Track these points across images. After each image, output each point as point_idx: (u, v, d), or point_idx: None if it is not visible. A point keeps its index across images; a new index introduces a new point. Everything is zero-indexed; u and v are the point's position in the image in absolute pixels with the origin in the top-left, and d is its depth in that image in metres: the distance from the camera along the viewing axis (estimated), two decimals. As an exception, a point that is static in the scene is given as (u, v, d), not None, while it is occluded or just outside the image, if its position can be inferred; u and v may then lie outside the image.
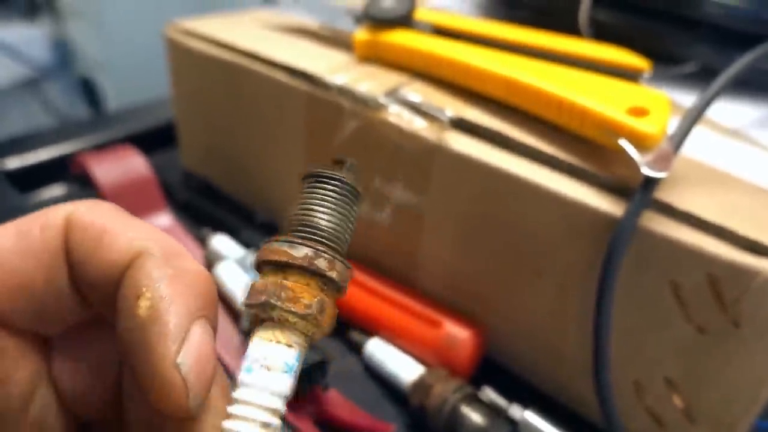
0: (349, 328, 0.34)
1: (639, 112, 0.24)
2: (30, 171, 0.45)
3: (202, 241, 0.38)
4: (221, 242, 0.37)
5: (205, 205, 0.43)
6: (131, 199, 0.37)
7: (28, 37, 1.21)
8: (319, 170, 0.16)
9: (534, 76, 0.28)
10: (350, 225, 0.16)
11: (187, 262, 0.15)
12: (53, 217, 0.15)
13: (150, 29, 0.57)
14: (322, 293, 0.15)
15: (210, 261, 0.35)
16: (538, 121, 0.28)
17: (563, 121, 0.27)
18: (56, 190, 0.46)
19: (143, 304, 0.14)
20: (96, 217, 0.15)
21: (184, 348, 0.13)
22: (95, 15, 1.11)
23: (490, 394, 0.28)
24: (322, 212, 0.15)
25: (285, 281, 0.14)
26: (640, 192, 0.23)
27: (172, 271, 0.14)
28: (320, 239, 0.15)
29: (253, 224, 0.42)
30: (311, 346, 0.16)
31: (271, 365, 0.14)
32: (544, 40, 0.30)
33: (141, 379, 0.14)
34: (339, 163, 0.16)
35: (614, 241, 0.23)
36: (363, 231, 0.35)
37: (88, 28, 1.15)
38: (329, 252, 0.15)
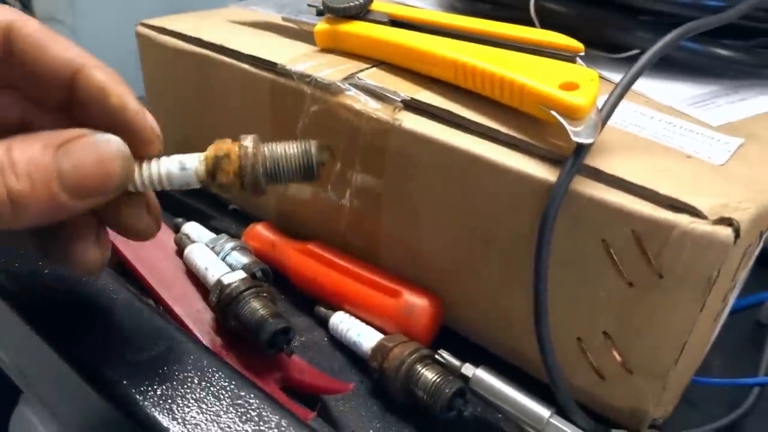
0: (316, 304, 0.35)
1: (570, 86, 0.26)
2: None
3: (176, 229, 0.40)
4: (192, 228, 0.39)
5: (178, 196, 0.44)
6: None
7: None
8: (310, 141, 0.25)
9: (479, 58, 0.30)
10: (288, 166, 0.24)
11: (107, 67, 0.23)
12: None
13: (124, 35, 0.59)
14: (239, 160, 0.24)
15: (181, 245, 0.37)
16: (484, 99, 0.30)
17: (505, 98, 0.29)
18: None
19: (114, 97, 0.22)
20: (37, 27, 0.22)
21: (147, 118, 0.23)
22: (70, 21, 1.12)
23: (445, 355, 0.29)
24: (281, 146, 0.25)
25: (230, 146, 0.24)
26: (571, 158, 0.25)
27: (114, 76, 0.23)
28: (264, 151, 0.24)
29: (224, 212, 0.44)
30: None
31: (181, 161, 0.24)
32: (491, 27, 0.32)
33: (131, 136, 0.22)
34: (326, 146, 0.25)
35: (549, 204, 0.25)
36: (328, 213, 0.36)
37: (63, 33, 1.15)
38: (260, 155, 0.24)
